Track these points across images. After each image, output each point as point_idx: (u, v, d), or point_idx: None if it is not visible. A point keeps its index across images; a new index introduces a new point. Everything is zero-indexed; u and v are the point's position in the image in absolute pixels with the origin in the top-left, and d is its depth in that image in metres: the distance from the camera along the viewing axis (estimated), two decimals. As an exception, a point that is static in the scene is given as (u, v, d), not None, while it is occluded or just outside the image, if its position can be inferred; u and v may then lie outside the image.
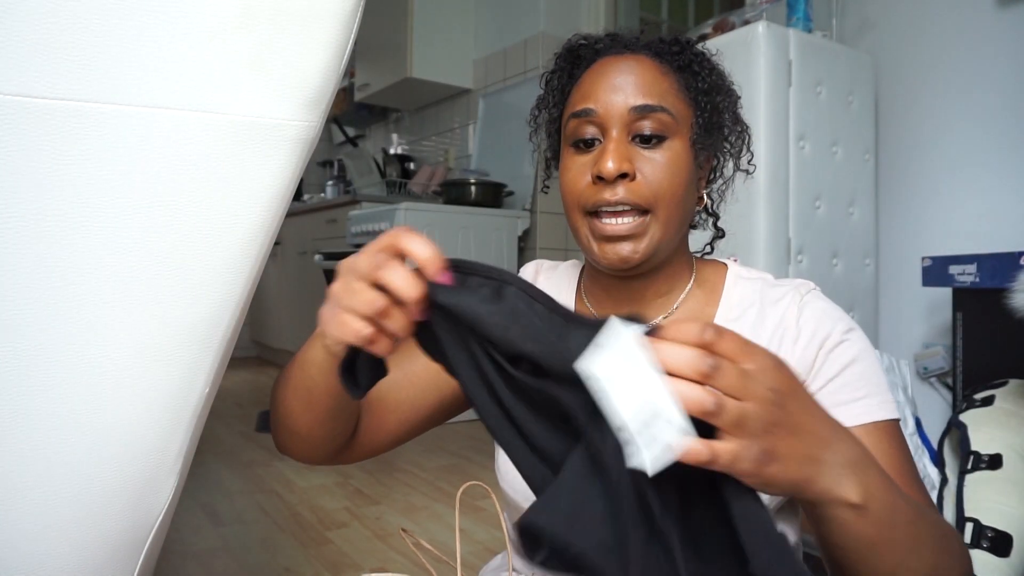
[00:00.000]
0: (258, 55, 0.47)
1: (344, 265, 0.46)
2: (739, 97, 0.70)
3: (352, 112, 4.23)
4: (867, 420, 0.59)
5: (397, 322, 0.44)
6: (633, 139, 0.63)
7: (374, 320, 0.44)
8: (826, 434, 0.42)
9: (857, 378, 0.60)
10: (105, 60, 0.43)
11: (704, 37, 2.11)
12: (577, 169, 0.64)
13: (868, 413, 0.59)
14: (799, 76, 1.84)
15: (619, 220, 0.62)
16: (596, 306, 0.72)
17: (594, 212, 0.63)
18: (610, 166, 0.60)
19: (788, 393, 0.40)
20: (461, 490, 0.58)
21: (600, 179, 0.62)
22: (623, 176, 0.61)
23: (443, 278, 0.43)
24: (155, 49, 0.44)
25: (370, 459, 2.31)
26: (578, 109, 0.64)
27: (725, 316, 0.67)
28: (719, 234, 0.76)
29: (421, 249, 0.43)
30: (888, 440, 0.59)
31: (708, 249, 0.76)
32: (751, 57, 1.78)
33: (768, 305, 0.65)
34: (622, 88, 0.63)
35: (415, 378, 0.69)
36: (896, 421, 0.60)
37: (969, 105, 1.94)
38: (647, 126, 0.62)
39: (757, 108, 1.76)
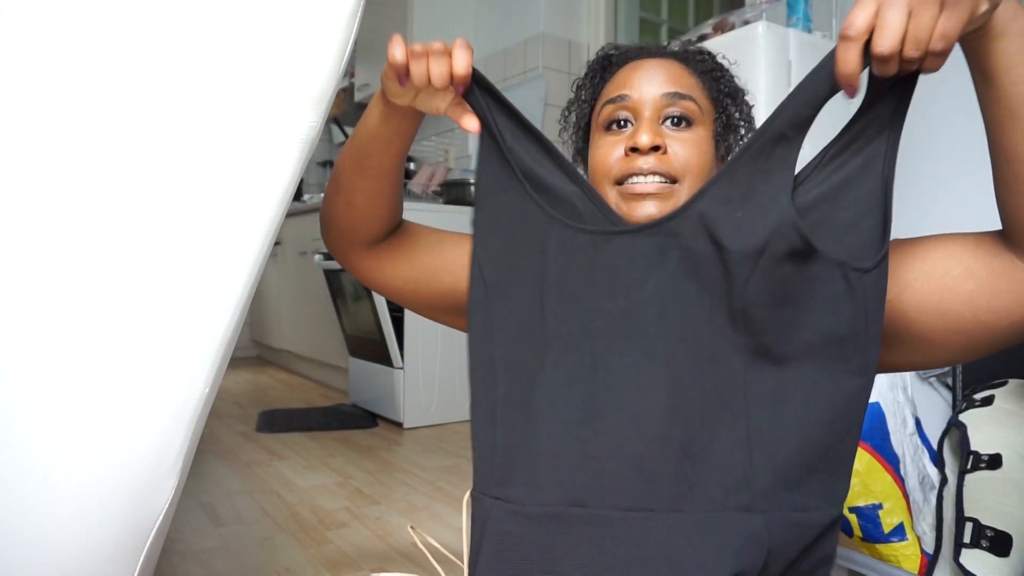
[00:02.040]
0: (258, 55, 0.47)
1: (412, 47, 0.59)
2: (752, 106, 0.77)
3: (352, 112, 4.23)
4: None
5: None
6: (663, 122, 0.68)
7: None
8: None
9: None
10: (104, 60, 0.43)
11: (704, 37, 2.11)
12: (609, 146, 0.69)
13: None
14: (799, 76, 1.84)
15: (648, 179, 0.66)
16: None
17: (622, 182, 0.67)
18: (644, 139, 0.65)
19: None
20: (469, 492, 0.61)
21: (634, 150, 0.66)
22: (655, 149, 0.66)
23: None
24: (154, 49, 0.44)
25: (370, 458, 2.30)
26: (613, 96, 0.70)
27: None
28: None
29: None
30: None
31: None
32: (751, 57, 1.78)
33: None
34: (655, 79, 0.69)
35: (444, 255, 0.77)
36: None
37: (969, 105, 1.94)
38: (677, 110, 0.68)
39: (757, 108, 1.75)
